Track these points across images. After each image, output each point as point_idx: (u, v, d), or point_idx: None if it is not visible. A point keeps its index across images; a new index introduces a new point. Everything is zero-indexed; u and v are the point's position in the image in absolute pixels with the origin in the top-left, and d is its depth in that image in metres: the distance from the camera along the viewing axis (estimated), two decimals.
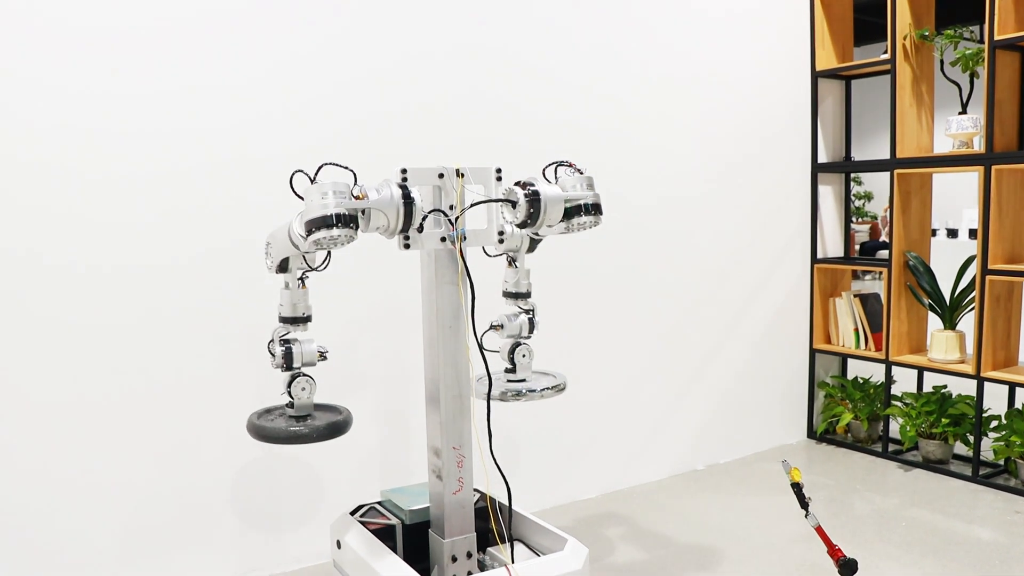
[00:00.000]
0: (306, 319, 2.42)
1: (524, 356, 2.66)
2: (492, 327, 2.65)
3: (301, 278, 2.40)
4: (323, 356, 2.43)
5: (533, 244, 2.64)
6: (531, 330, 2.68)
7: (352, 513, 2.68)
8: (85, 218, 2.73)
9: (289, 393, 2.40)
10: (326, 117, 3.10)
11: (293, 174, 2.19)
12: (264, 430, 2.35)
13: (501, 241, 2.42)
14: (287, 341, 2.40)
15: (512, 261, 2.65)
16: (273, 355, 2.40)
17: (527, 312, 2.67)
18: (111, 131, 2.75)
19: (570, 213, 2.35)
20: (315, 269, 2.42)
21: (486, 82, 3.43)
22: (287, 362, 2.38)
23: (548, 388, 2.63)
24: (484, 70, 3.43)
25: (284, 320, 2.41)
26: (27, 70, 2.62)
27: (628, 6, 3.81)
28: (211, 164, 2.91)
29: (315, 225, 2.06)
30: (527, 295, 2.68)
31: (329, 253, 2.38)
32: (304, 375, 2.41)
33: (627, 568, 3.10)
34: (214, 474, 2.99)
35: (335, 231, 2.07)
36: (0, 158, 2.61)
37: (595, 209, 2.36)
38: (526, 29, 3.53)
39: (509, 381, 2.67)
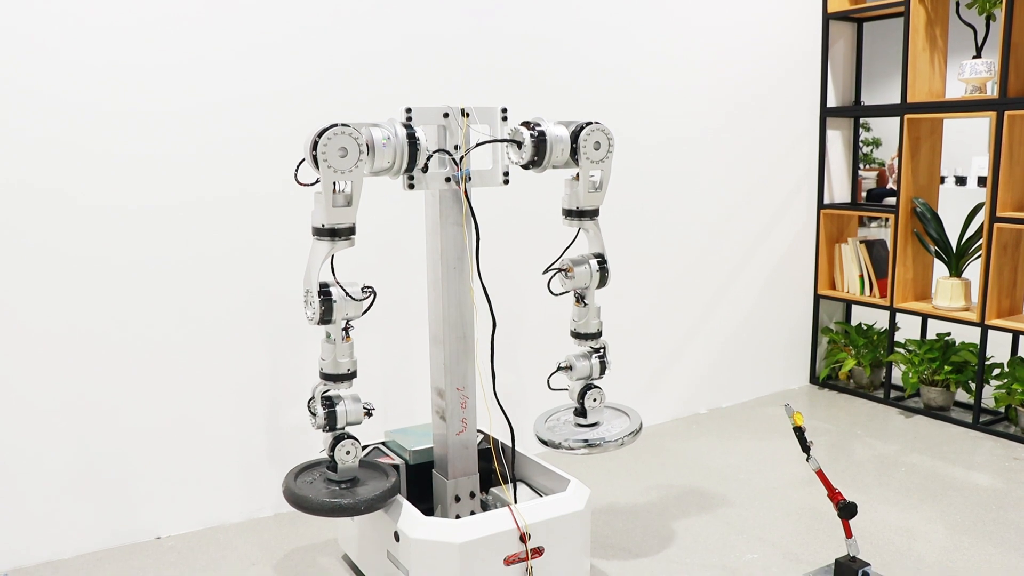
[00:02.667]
0: (351, 376, 2.22)
1: (595, 401, 2.53)
2: (560, 368, 2.53)
3: (346, 328, 2.20)
4: (369, 413, 2.25)
5: (603, 279, 2.48)
6: (602, 372, 2.53)
7: None
8: (113, 155, 2.71)
9: (332, 456, 2.24)
10: (340, 51, 3.05)
11: (297, 165, 2.15)
12: (305, 501, 2.18)
13: (506, 182, 2.40)
14: (330, 400, 2.21)
15: (580, 298, 2.49)
16: (314, 415, 2.23)
17: (597, 352, 2.52)
18: (142, 67, 2.71)
19: (575, 134, 2.33)
20: (363, 303, 2.19)
21: (491, 15, 3.37)
22: (330, 423, 2.21)
23: (627, 435, 2.49)
24: (491, 3, 3.36)
25: (326, 377, 2.22)
26: (58, 5, 2.57)
27: None
28: (206, 109, 2.88)
29: (319, 134, 2.02)
30: (597, 335, 2.50)
31: (370, 296, 2.20)
32: (349, 436, 2.24)
33: (629, 510, 3.13)
34: (220, 414, 3.01)
35: (336, 129, 2.02)
36: (30, 99, 2.57)
37: (597, 123, 2.33)
38: None
39: (579, 426, 2.55)
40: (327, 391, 2.23)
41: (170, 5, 2.76)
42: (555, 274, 2.47)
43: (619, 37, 3.71)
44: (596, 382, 2.54)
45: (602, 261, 2.46)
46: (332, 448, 2.23)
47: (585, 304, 2.48)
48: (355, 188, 2.09)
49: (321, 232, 2.12)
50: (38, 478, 2.74)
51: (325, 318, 2.14)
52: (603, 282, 2.47)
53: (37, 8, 2.56)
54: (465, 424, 2.44)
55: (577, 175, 2.39)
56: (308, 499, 2.19)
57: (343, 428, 2.23)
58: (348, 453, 2.23)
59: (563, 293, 2.51)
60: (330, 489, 2.25)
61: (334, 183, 2.07)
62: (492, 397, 2.41)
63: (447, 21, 3.26)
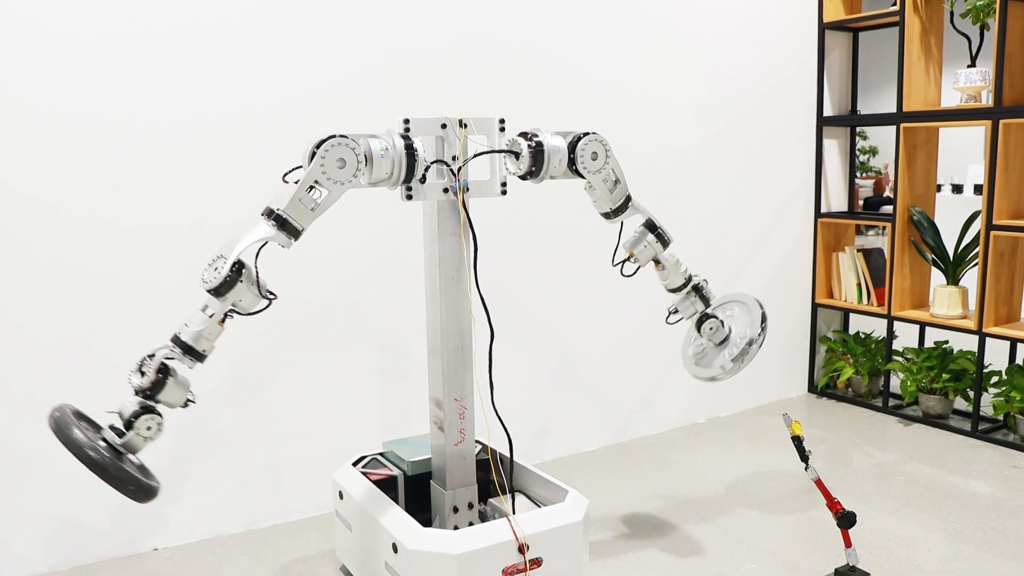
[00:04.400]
0: (200, 357, 2.08)
1: (712, 328, 2.70)
2: (669, 312, 2.71)
3: (227, 314, 2.08)
4: (187, 404, 2.10)
5: (664, 241, 2.59)
6: (706, 303, 2.69)
7: (354, 464, 2.70)
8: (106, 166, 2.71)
9: (130, 424, 2.01)
10: (334, 61, 3.06)
11: (290, 171, 2.15)
12: (64, 430, 1.95)
13: (504, 193, 2.40)
14: (166, 369, 2.05)
15: (656, 263, 2.64)
16: (143, 373, 2.04)
17: (695, 290, 2.68)
18: (139, 80, 2.71)
19: (572, 145, 2.35)
20: (259, 303, 2.10)
21: (488, 26, 3.37)
22: (153, 391, 2.03)
23: (760, 329, 2.66)
24: (487, 14, 3.37)
25: (178, 343, 2.05)
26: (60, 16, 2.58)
27: None
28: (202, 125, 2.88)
29: (317, 145, 2.04)
30: (687, 282, 2.67)
31: (268, 302, 2.11)
32: (157, 414, 2.03)
33: (627, 520, 3.13)
34: (217, 425, 3.00)
35: (336, 139, 2.04)
36: (37, 107, 2.58)
37: (593, 133, 2.37)
38: None
39: (719, 344, 2.73)
40: (171, 358, 2.05)
41: (169, 19, 2.76)
42: (623, 263, 2.60)
43: (616, 47, 3.72)
44: (708, 311, 2.71)
45: (654, 227, 2.58)
46: (136, 415, 2.00)
47: (663, 266, 2.64)
48: (326, 201, 2.07)
49: (271, 215, 2.06)
50: (34, 490, 2.73)
51: (221, 290, 2.02)
52: (665, 244, 2.60)
53: (39, 18, 2.57)
54: (463, 435, 2.43)
55: (589, 183, 2.44)
56: (67, 431, 1.95)
57: (157, 402, 2.05)
58: (149, 429, 2.01)
59: (636, 271, 2.63)
60: (96, 441, 1.97)
61: (314, 183, 2.05)
62: (490, 408, 2.40)
63: (445, 33, 3.27)
